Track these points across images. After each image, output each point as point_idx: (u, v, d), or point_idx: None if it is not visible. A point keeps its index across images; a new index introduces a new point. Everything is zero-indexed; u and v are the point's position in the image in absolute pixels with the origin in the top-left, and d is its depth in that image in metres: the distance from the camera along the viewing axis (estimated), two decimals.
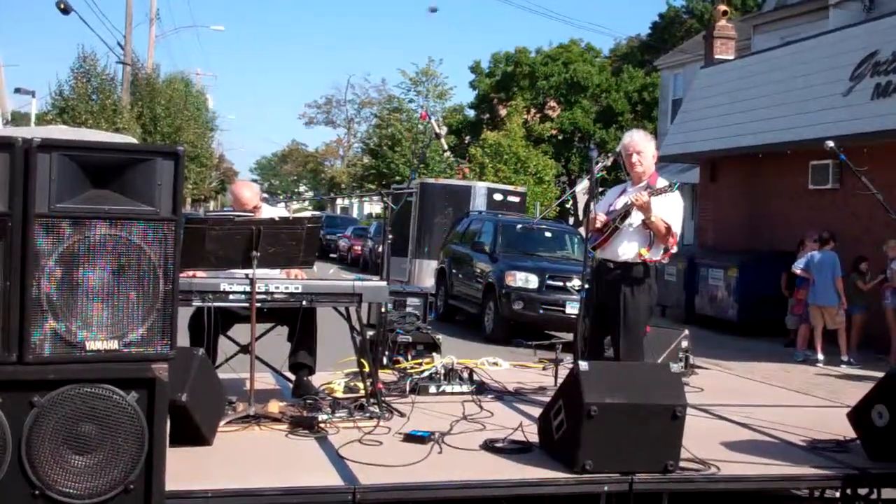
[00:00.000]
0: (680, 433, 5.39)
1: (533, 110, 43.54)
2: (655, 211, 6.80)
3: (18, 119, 45.66)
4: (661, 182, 7.03)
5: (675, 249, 7.15)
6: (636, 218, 6.88)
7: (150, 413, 4.08)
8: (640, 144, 7.12)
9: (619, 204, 7.04)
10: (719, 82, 20.90)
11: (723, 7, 23.83)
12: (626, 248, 6.95)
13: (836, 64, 16.63)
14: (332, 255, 37.46)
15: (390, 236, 8.03)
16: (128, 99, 34.08)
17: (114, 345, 4.03)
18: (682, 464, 5.41)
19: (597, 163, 7.28)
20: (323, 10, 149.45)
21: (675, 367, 5.84)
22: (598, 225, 6.95)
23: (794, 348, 14.27)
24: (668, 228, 6.89)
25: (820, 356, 13.47)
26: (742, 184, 20.36)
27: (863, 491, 5.81)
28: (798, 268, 13.99)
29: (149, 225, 4.09)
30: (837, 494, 5.91)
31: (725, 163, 20.98)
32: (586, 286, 7.05)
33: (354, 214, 67.77)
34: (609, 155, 7.39)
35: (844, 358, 13.49)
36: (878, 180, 12.10)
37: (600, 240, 7.00)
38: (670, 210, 6.94)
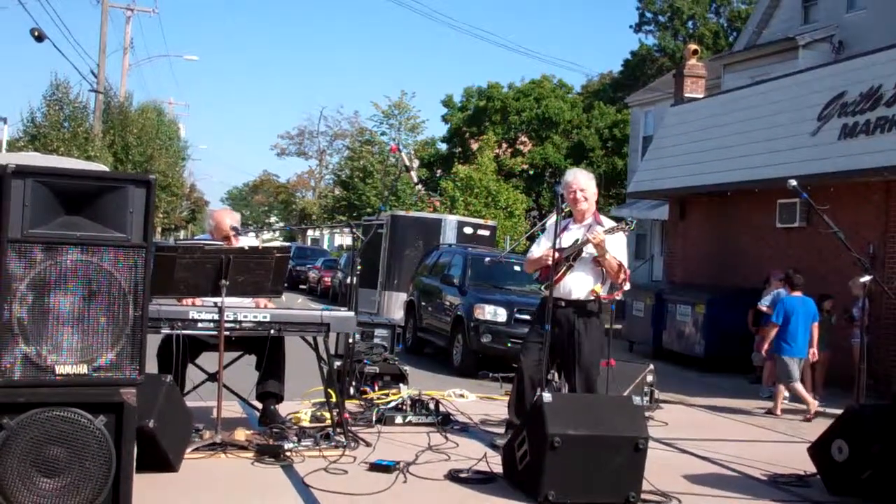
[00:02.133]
0: (642, 465, 5.46)
1: (504, 145, 43.77)
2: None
3: None
4: (608, 221, 7.12)
5: (627, 286, 7.21)
6: (587, 256, 6.95)
7: (118, 437, 4.12)
8: (583, 182, 7.21)
9: (566, 241, 7.05)
10: (689, 120, 21.12)
11: (693, 46, 24.14)
12: (580, 286, 6.97)
13: (805, 104, 16.87)
14: (301, 287, 37.34)
15: (359, 267, 8.08)
16: (100, 127, 33.93)
17: (83, 369, 4.08)
18: (644, 496, 5.48)
19: (563, 199, 7.33)
20: (297, 42, 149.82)
21: (639, 401, 5.92)
22: (549, 262, 6.91)
23: (760, 384, 14.36)
24: (620, 265, 6.98)
25: (785, 393, 13.56)
26: (711, 221, 20.55)
27: None
28: (764, 305, 14.11)
29: (120, 251, 4.16)
30: None
31: (694, 200, 21.17)
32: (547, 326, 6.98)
33: (325, 246, 67.62)
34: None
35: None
36: (844, 220, 12.33)
37: (557, 277, 6.95)
38: (618, 248, 7.02)
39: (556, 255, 6.92)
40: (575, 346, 6.91)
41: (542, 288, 7.10)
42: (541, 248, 7.27)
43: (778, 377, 11.98)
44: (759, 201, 18.35)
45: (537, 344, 6.96)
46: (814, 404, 11.21)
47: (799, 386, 11.60)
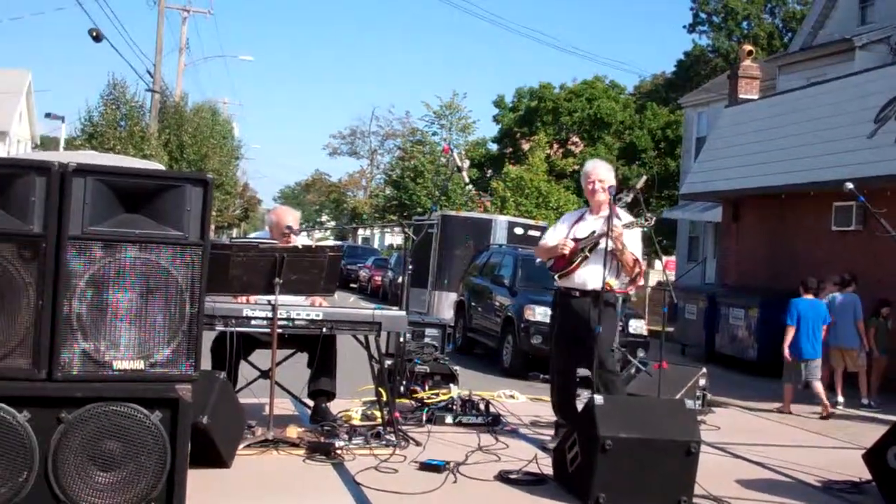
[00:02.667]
0: (694, 469, 5.42)
1: (556, 145, 43.68)
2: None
3: (47, 143, 46.20)
4: (625, 215, 7.10)
5: (641, 281, 7.21)
6: (603, 247, 6.91)
7: (173, 432, 4.17)
8: (603, 174, 7.22)
9: (581, 231, 7.10)
10: (743, 121, 20.91)
11: (748, 47, 23.88)
12: (595, 277, 6.92)
13: (861, 106, 16.62)
14: (352, 285, 37.50)
15: (410, 267, 8.10)
16: (156, 126, 34.35)
17: (140, 365, 4.14)
18: (695, 500, 5.43)
19: (617, 199, 7.30)
20: (350, 42, 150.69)
21: (691, 405, 5.88)
22: (566, 252, 6.99)
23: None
24: (636, 260, 7.00)
25: (840, 398, 13.37)
26: (764, 223, 20.32)
27: None
28: None
29: (177, 249, 4.21)
30: None
31: (748, 202, 20.94)
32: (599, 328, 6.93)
33: (375, 245, 67.87)
34: (629, 192, 7.42)
35: (864, 401, 13.39)
36: None
37: (570, 268, 7.01)
38: (633, 242, 7.04)
39: (573, 244, 7.00)
40: (590, 334, 6.85)
41: (557, 277, 7.07)
42: (555, 237, 7.25)
43: (787, 377, 12.39)
44: (814, 204, 18.11)
45: (560, 340, 7.07)
46: (828, 405, 11.86)
47: (791, 388, 12.23)
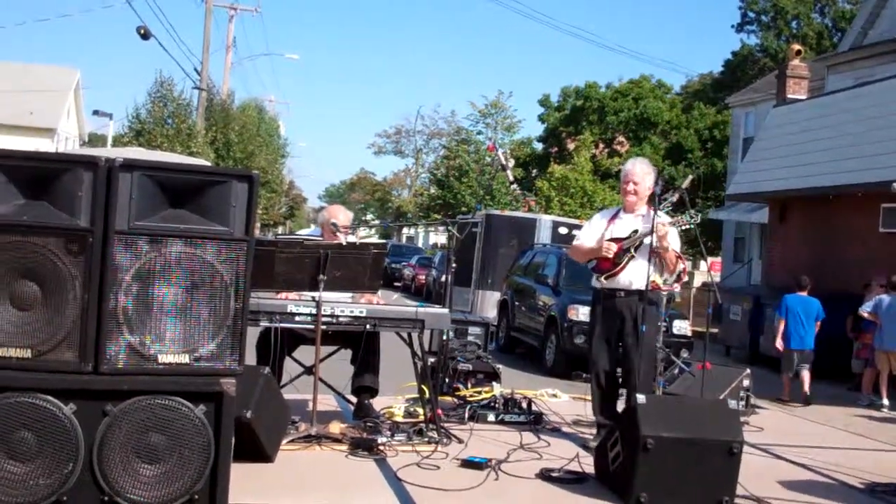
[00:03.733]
0: (736, 469, 5.39)
1: (601, 145, 43.49)
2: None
3: (95, 141, 46.83)
4: (663, 215, 7.10)
5: (685, 278, 7.20)
6: (646, 246, 6.94)
7: (217, 426, 4.21)
8: (639, 175, 7.20)
9: (619, 231, 7.09)
10: (791, 122, 20.70)
11: (797, 46, 23.64)
12: (640, 276, 6.92)
13: None
14: (396, 284, 37.61)
15: (453, 265, 8.12)
16: (202, 124, 34.65)
17: (184, 359, 4.18)
18: (737, 500, 5.40)
19: (663, 199, 7.28)
20: (395, 41, 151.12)
21: (734, 405, 5.84)
22: (611, 255, 6.99)
23: (859, 392, 14.02)
24: (679, 257, 7.03)
25: (885, 401, 13.20)
26: (811, 225, 20.11)
27: None
28: (865, 311, 13.75)
29: (222, 245, 4.25)
30: None
31: (795, 203, 20.73)
32: (643, 327, 6.95)
33: (419, 244, 68.00)
34: (675, 192, 7.40)
35: None
36: None
37: (617, 269, 7.00)
38: (673, 239, 7.06)
39: (617, 244, 6.99)
40: (636, 333, 6.91)
41: (604, 279, 7.03)
42: (591, 237, 7.24)
43: (784, 367, 13.57)
44: (862, 205, 17.89)
45: (602, 340, 7.04)
46: (786, 395, 12.95)
47: (786, 378, 13.36)
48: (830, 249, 19.05)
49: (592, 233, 7.33)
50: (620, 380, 7.21)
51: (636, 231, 7.05)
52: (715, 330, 18.19)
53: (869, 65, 23.73)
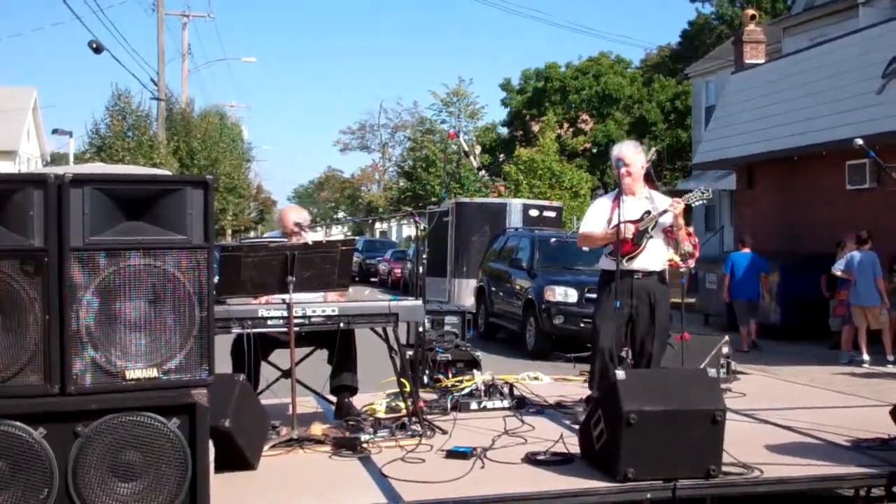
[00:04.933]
0: (721, 437, 5.37)
1: (566, 125, 43.50)
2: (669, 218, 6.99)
3: (57, 159, 46.44)
4: (658, 196, 7.19)
5: (697, 253, 7.25)
6: (661, 225, 7.03)
7: (192, 438, 4.15)
8: (628, 157, 7.22)
9: (628, 213, 7.06)
10: (751, 87, 20.79)
11: (751, 11, 23.72)
12: (658, 255, 7.06)
13: (868, 62, 16.50)
14: (372, 279, 37.53)
15: (424, 256, 8.07)
16: (164, 134, 34.38)
17: (153, 373, 4.12)
18: (724, 468, 5.39)
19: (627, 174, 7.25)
20: (353, 36, 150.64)
21: (714, 373, 5.82)
22: (629, 236, 6.97)
23: (839, 350, 14.12)
24: (690, 233, 7.15)
25: (865, 357, 13.31)
26: (779, 188, 20.21)
27: None
28: (838, 269, 13.85)
29: (182, 253, 4.19)
30: (883, 492, 5.86)
31: (761, 167, 20.83)
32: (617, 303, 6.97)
33: (393, 238, 67.93)
34: (648, 160, 7.45)
35: (890, 357, 13.32)
36: None
37: (639, 250, 7.01)
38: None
39: (633, 227, 6.98)
40: (654, 315, 7.00)
41: (625, 261, 7.00)
42: (598, 223, 7.21)
43: (740, 319, 15.60)
44: (828, 164, 18.01)
45: (611, 319, 6.97)
46: (745, 345, 14.75)
47: (744, 329, 15.29)
48: (800, 211, 19.18)
49: (599, 219, 7.30)
50: (625, 358, 7.18)
51: (648, 212, 7.07)
52: (692, 300, 18.26)
53: (823, 24, 23.85)
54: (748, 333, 15.40)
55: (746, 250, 15.86)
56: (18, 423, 3.92)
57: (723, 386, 7.22)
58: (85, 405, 4.00)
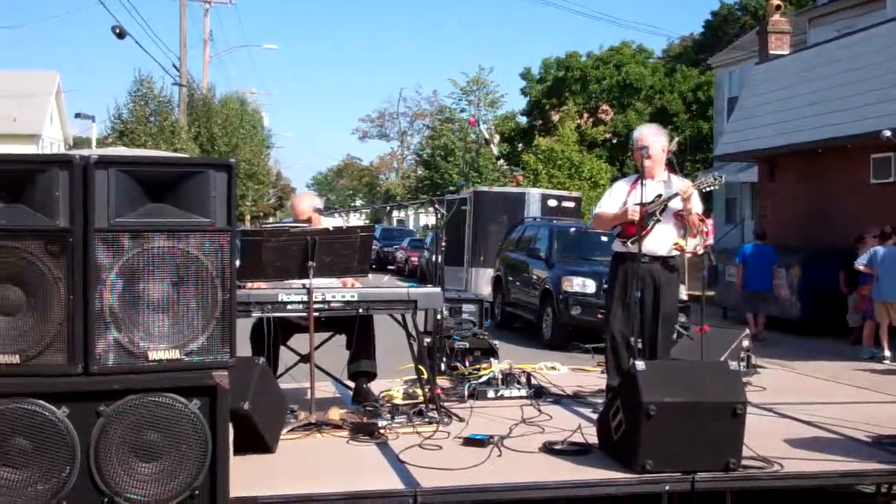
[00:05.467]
0: (741, 431, 5.34)
1: (586, 114, 43.37)
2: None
3: (80, 144, 46.65)
4: (677, 179, 7.16)
5: (710, 240, 7.21)
6: (671, 210, 7.00)
7: (213, 420, 4.16)
8: (648, 139, 7.17)
9: (643, 196, 7.00)
10: (775, 78, 20.63)
11: (776, 1, 23.52)
12: (666, 241, 7.03)
13: (894, 54, 16.34)
14: (389, 267, 37.58)
15: (443, 244, 8.06)
16: (185, 120, 34.50)
17: (175, 354, 4.13)
18: (744, 462, 5.36)
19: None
20: (373, 24, 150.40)
21: (735, 366, 5.79)
22: (637, 217, 6.93)
23: (860, 345, 14.04)
24: (703, 220, 7.04)
25: (887, 352, 13.23)
26: (802, 180, 20.07)
27: None
28: (861, 264, 13.75)
29: (205, 236, 4.18)
30: None
31: (784, 160, 20.68)
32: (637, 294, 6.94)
33: (411, 226, 67.94)
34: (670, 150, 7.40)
35: None
36: None
37: (644, 233, 6.96)
38: (696, 202, 7.06)
39: (642, 209, 6.91)
40: (658, 301, 6.96)
41: (630, 243, 6.98)
42: (615, 203, 7.19)
43: (749, 307, 16.40)
44: (852, 157, 17.86)
45: (622, 305, 6.97)
46: (755, 330, 15.20)
47: (749, 317, 16.11)
48: (822, 204, 19.03)
49: (615, 199, 7.29)
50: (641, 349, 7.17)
51: (660, 195, 7.04)
52: (712, 293, 18.19)
53: (850, 15, 23.66)
54: (754, 324, 15.91)
55: (760, 242, 16.77)
56: (42, 402, 3.94)
57: (743, 379, 7.18)
58: (107, 385, 4.02)
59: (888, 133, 6.84)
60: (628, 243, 6.97)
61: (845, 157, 18.14)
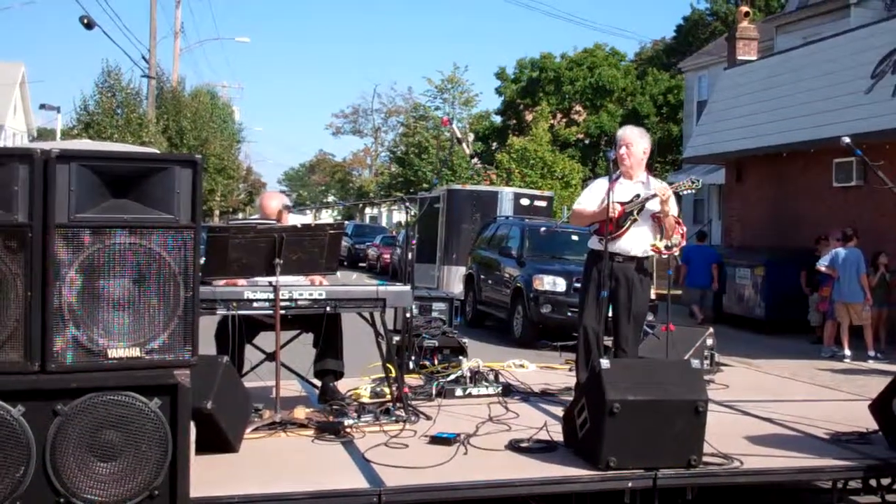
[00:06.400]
0: (702, 428, 5.39)
1: (559, 115, 43.51)
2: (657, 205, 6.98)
3: (44, 135, 46.20)
4: (656, 181, 7.21)
5: (684, 242, 7.27)
6: (648, 211, 7.04)
7: (174, 419, 4.12)
8: (628, 139, 7.22)
9: (621, 195, 7.05)
10: (743, 83, 20.84)
11: (745, 8, 23.74)
12: (641, 241, 7.06)
13: (858, 62, 16.56)
14: (361, 265, 37.49)
15: (414, 242, 8.05)
16: (153, 112, 34.21)
17: (136, 352, 4.08)
18: (705, 458, 5.41)
19: (615, 163, 7.28)
20: (348, 20, 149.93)
21: (698, 364, 5.83)
22: (615, 215, 6.95)
23: (821, 345, 14.21)
24: (679, 222, 7.11)
25: (847, 352, 13.42)
26: (767, 183, 20.28)
27: (885, 481, 5.82)
28: (823, 265, 13.94)
29: (168, 233, 4.14)
30: (860, 485, 5.90)
31: (751, 163, 20.89)
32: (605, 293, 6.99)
33: (383, 223, 67.84)
34: None
35: (871, 353, 13.44)
36: None
37: (621, 231, 7.01)
38: (672, 204, 7.12)
39: (620, 207, 6.96)
40: (630, 301, 6.99)
41: (606, 241, 7.00)
42: (593, 201, 7.21)
43: (692, 300, 17.93)
44: (816, 161, 18.10)
45: (595, 303, 6.98)
46: (700, 317, 16.81)
47: (695, 307, 17.60)
48: (786, 206, 19.27)
49: (593, 197, 7.30)
50: (610, 348, 7.20)
51: (638, 195, 7.07)
52: (678, 292, 18.32)
53: (816, 23, 23.95)
54: (700, 311, 17.53)
55: (702, 244, 18.58)
56: None
57: (706, 377, 7.23)
58: (65, 383, 3.96)
59: (847, 140, 6.92)
60: (603, 241, 7.00)
61: (809, 161, 18.37)
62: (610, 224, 6.96)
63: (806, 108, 17.63)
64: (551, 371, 9.17)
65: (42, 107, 36.09)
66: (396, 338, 7.75)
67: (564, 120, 43.70)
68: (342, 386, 7.28)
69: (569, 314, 13.88)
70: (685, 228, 7.33)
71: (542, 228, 16.97)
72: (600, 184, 7.43)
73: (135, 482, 4.03)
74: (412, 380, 7.77)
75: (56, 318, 3.94)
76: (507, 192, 22.60)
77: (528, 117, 42.57)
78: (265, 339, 6.89)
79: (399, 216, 68.43)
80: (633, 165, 7.20)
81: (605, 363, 5.47)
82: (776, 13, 33.23)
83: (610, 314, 7.17)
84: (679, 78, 37.89)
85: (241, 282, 6.45)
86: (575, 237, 16.26)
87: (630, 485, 5.24)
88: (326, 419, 6.35)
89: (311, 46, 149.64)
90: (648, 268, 7.24)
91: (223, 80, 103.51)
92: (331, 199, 78.42)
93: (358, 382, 7.72)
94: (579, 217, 7.48)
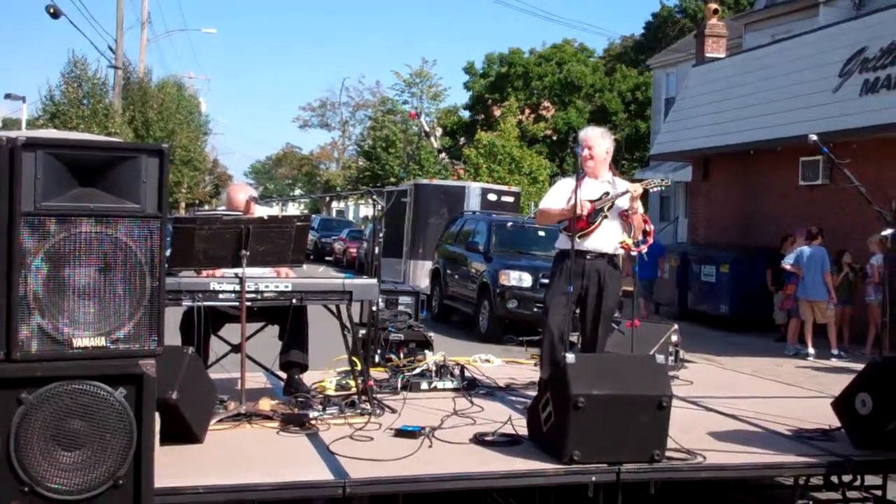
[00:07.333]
0: (666, 423, 5.44)
1: (527, 111, 43.63)
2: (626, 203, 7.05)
3: (10, 125, 45.68)
4: (621, 182, 7.26)
5: (651, 240, 7.32)
6: (617, 209, 7.09)
7: (139, 409, 4.10)
8: (592, 139, 7.27)
9: (588, 194, 7.08)
10: (711, 80, 20.95)
11: (713, 6, 23.88)
12: (610, 239, 7.10)
13: (826, 61, 16.71)
14: (327, 258, 37.40)
15: (381, 236, 8.04)
16: (119, 103, 33.97)
17: (101, 341, 4.06)
18: (668, 453, 5.46)
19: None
20: (317, 12, 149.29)
21: (662, 360, 5.88)
22: (584, 213, 6.99)
23: (785, 342, 14.35)
24: (646, 220, 7.18)
25: (810, 350, 13.57)
26: (734, 181, 20.43)
27: (847, 477, 5.91)
28: (788, 263, 14.08)
29: (134, 222, 4.12)
30: (821, 481, 5.97)
31: (717, 160, 21.04)
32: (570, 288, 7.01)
33: (350, 217, 67.68)
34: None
35: (834, 351, 13.60)
36: (867, 176, 12.23)
37: (591, 229, 7.04)
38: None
39: (590, 205, 7.00)
40: (601, 297, 7.04)
41: (578, 238, 7.03)
42: (559, 200, 7.23)
43: (638, 294, 17.77)
44: (782, 159, 18.25)
45: (563, 300, 6.97)
46: (644, 314, 15.69)
47: (643, 301, 16.36)
48: (752, 204, 19.42)
49: (559, 195, 7.31)
50: (575, 343, 7.24)
51: (607, 193, 7.11)
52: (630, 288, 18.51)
53: (785, 21, 24.11)
54: (645, 306, 17.15)
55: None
56: None
57: (671, 373, 7.29)
58: (29, 372, 3.93)
59: (814, 137, 6.98)
60: (576, 239, 7.01)
61: (775, 159, 18.51)
62: (580, 222, 7.00)
63: (773, 106, 17.78)
64: (517, 366, 9.21)
65: (7, 96, 35.64)
66: (362, 331, 7.74)
67: (532, 116, 43.83)
68: (307, 378, 7.28)
69: (535, 309, 13.92)
70: (652, 227, 7.38)
71: (509, 223, 17.02)
72: (566, 183, 7.46)
73: (99, 471, 4.01)
74: (378, 373, 7.77)
75: (21, 307, 3.90)
76: (474, 188, 22.64)
77: (497, 112, 42.63)
78: (231, 331, 6.88)
79: (366, 210, 68.30)
80: (598, 166, 7.25)
81: (570, 358, 5.50)
82: (745, 11, 33.45)
83: (577, 311, 7.21)
84: (647, 75, 38.08)
85: (219, 272, 6.44)
86: (542, 233, 16.32)
87: (594, 479, 5.28)
88: (291, 411, 6.35)
89: (279, 38, 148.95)
90: (616, 263, 7.27)
91: (190, 71, 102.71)
92: (297, 192, 78.14)
93: (323, 375, 7.73)
94: (546, 216, 7.50)
